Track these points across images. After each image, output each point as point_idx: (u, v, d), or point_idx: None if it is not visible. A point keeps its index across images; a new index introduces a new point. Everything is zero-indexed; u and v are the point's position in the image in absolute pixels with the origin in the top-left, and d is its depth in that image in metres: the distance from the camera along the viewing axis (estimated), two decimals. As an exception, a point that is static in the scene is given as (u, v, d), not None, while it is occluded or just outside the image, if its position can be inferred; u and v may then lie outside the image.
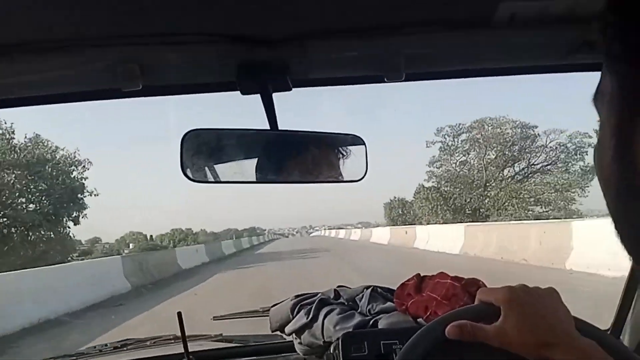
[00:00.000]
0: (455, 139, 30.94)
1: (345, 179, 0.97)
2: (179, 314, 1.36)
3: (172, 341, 1.55)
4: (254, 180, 0.93)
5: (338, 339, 1.18)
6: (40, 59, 0.85)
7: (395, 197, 38.30)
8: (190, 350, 1.40)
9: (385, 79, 0.90)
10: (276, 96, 0.92)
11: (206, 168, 0.93)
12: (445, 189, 31.35)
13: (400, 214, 36.65)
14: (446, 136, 31.02)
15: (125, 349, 1.56)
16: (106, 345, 1.58)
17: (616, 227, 0.41)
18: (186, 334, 1.39)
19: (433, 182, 32.32)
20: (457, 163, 31.32)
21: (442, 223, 26.35)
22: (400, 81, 0.90)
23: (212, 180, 0.92)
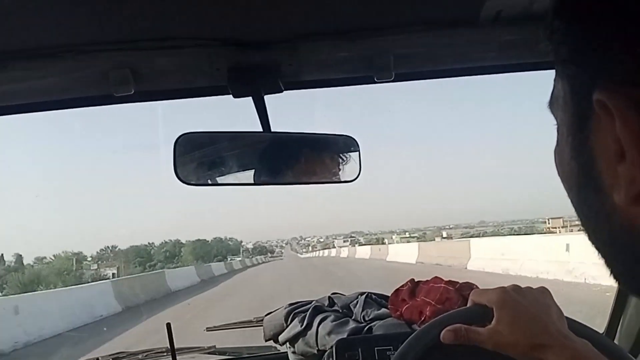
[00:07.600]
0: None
1: (339, 180, 0.98)
2: (168, 326, 1.33)
3: (165, 354, 1.52)
4: (249, 182, 0.93)
5: (332, 346, 1.17)
6: (32, 66, 0.85)
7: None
8: None
9: (376, 79, 0.91)
10: (268, 99, 0.92)
11: (199, 171, 0.93)
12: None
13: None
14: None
15: (117, 362, 1.53)
16: (98, 359, 1.55)
17: (583, 225, 0.42)
18: (176, 346, 1.36)
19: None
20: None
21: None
22: (390, 81, 0.91)
23: (206, 183, 0.92)
